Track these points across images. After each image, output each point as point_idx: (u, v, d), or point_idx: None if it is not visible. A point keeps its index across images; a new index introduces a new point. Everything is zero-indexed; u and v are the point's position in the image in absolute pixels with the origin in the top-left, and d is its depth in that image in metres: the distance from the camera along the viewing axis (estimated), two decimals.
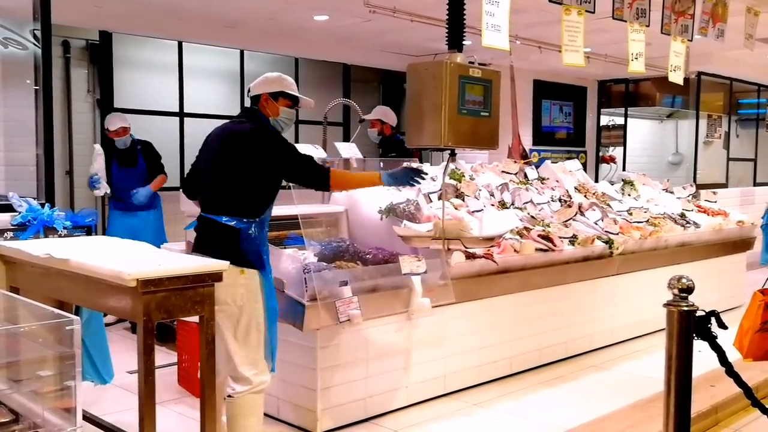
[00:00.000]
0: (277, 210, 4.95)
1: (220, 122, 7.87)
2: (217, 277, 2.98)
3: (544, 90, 10.66)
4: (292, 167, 3.55)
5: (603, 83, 11.48)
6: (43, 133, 4.54)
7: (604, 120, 11.79)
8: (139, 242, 3.67)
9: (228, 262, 3.09)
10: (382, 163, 6.29)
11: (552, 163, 6.89)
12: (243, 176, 3.47)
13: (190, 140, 8.36)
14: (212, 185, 3.56)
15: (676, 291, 3.05)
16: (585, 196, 6.39)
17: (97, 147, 6.30)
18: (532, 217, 5.59)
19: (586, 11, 5.14)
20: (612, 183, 7.47)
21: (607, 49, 8.42)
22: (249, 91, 3.73)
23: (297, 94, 3.70)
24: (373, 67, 10.02)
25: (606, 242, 5.59)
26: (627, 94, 11.37)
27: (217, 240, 3.46)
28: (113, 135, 6.44)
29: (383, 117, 7.13)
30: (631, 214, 6.30)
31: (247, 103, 3.79)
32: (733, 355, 3.25)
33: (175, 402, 4.51)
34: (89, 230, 4.25)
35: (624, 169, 11.03)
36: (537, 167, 6.70)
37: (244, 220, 3.47)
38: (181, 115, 8.33)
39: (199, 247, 3.49)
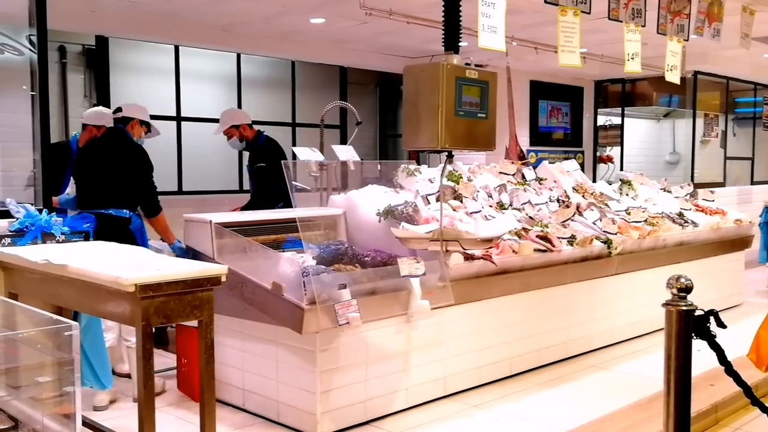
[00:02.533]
0: (276, 213, 4.98)
1: (216, 126, 7.81)
2: (216, 281, 2.97)
3: (540, 91, 10.66)
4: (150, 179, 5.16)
5: (600, 83, 11.48)
6: (40, 139, 4.53)
7: (601, 120, 11.80)
8: (137, 247, 3.67)
9: (226, 266, 3.12)
10: (379, 165, 6.28)
11: (550, 163, 6.88)
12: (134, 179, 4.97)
13: (187, 144, 8.36)
14: (110, 187, 4.90)
15: (674, 290, 3.05)
16: (583, 196, 6.39)
17: None
18: (531, 217, 5.59)
19: (582, 12, 5.15)
20: (610, 183, 7.46)
21: (604, 50, 8.43)
22: (118, 110, 4.98)
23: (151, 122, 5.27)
24: (369, 69, 10.03)
25: (604, 242, 5.59)
26: (624, 94, 11.37)
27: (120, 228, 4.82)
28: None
29: (234, 121, 6.50)
30: (629, 213, 6.30)
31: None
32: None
33: (175, 406, 4.50)
34: (87, 235, 4.24)
35: (621, 169, 11.02)
36: (534, 168, 6.70)
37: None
38: (178, 119, 8.33)
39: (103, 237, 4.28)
